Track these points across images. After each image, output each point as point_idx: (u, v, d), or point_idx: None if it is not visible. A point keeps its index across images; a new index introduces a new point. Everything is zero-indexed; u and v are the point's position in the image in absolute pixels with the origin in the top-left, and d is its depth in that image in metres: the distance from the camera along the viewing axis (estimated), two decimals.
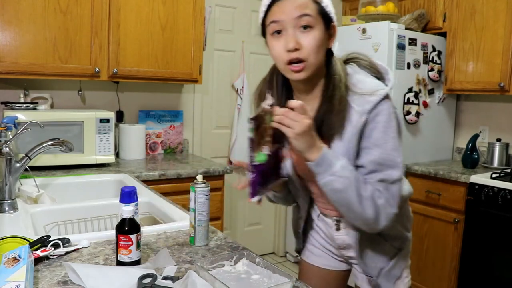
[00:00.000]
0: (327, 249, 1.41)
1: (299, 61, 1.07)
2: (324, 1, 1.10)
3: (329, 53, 1.15)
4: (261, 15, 1.14)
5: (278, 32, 1.09)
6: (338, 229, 1.31)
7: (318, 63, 1.10)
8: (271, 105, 1.06)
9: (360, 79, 1.13)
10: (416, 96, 2.93)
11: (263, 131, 1.07)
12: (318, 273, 1.43)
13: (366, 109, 1.08)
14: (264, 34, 1.16)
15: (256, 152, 1.09)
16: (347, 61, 1.21)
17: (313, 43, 1.07)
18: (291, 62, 1.08)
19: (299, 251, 1.50)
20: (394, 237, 1.29)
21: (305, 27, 1.06)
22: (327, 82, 1.14)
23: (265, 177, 1.12)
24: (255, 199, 1.14)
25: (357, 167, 1.12)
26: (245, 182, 1.11)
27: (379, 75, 1.19)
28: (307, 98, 1.17)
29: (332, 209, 1.27)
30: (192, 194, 1.23)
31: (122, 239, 1.04)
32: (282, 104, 1.12)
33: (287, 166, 1.27)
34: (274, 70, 1.23)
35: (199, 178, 1.24)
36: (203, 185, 1.23)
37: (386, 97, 1.10)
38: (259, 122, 1.06)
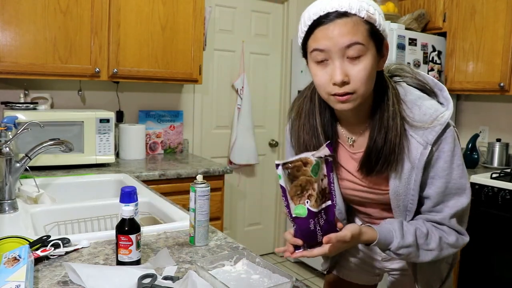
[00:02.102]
0: (365, 262, 1.34)
1: (346, 93, 0.95)
2: (377, 18, 0.94)
3: (379, 75, 1.02)
4: (302, 35, 0.99)
5: (323, 60, 0.95)
6: None
7: (367, 94, 0.98)
8: (327, 157, 0.96)
9: (415, 102, 1.03)
10: None
11: (305, 183, 0.94)
12: (349, 286, 1.38)
13: (430, 139, 0.99)
14: (305, 55, 1.03)
15: (295, 204, 0.95)
16: (393, 77, 1.10)
17: (363, 74, 0.93)
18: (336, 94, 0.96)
19: (328, 269, 1.42)
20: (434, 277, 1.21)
21: (355, 55, 0.92)
22: (380, 112, 1.02)
23: (309, 237, 0.97)
24: (297, 254, 0.98)
25: (422, 197, 1.07)
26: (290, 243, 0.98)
27: (429, 90, 1.08)
28: (354, 126, 1.09)
29: (375, 222, 1.19)
30: (192, 194, 1.23)
31: (122, 239, 1.04)
32: (325, 126, 1.09)
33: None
34: (315, 88, 1.09)
35: (199, 178, 1.24)
36: (203, 185, 1.23)
37: (448, 122, 1.01)
38: (294, 170, 0.94)
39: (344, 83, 0.93)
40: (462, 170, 1.03)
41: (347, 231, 0.97)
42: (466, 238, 1.07)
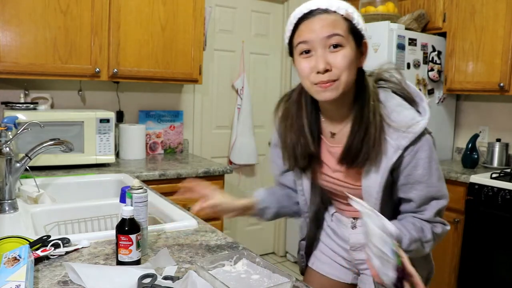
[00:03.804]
0: (337, 254, 1.36)
1: (329, 80, 1.02)
2: (355, 17, 1.04)
3: (360, 73, 1.09)
4: (288, 34, 1.08)
5: (307, 51, 1.03)
6: (354, 227, 1.28)
7: (349, 82, 1.05)
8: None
9: (394, 108, 1.07)
10: None
11: None
12: (323, 282, 1.39)
13: (402, 145, 1.05)
14: (291, 53, 1.10)
15: None
16: (378, 80, 1.14)
17: (344, 61, 1.01)
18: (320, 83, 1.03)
19: (302, 271, 1.47)
20: (423, 266, 1.24)
21: (335, 46, 1.01)
22: (360, 106, 1.08)
23: None
24: None
25: (403, 199, 1.14)
26: None
27: (410, 99, 1.12)
28: (335, 120, 1.15)
29: (351, 209, 1.24)
30: (128, 201, 1.13)
31: (122, 239, 1.04)
32: (312, 125, 1.15)
33: (304, 185, 1.26)
34: (302, 90, 1.16)
35: (136, 183, 1.15)
36: (140, 190, 1.13)
37: (424, 130, 1.06)
38: None
39: (326, 71, 1.01)
40: (439, 173, 1.11)
41: None
42: (448, 227, 1.16)
